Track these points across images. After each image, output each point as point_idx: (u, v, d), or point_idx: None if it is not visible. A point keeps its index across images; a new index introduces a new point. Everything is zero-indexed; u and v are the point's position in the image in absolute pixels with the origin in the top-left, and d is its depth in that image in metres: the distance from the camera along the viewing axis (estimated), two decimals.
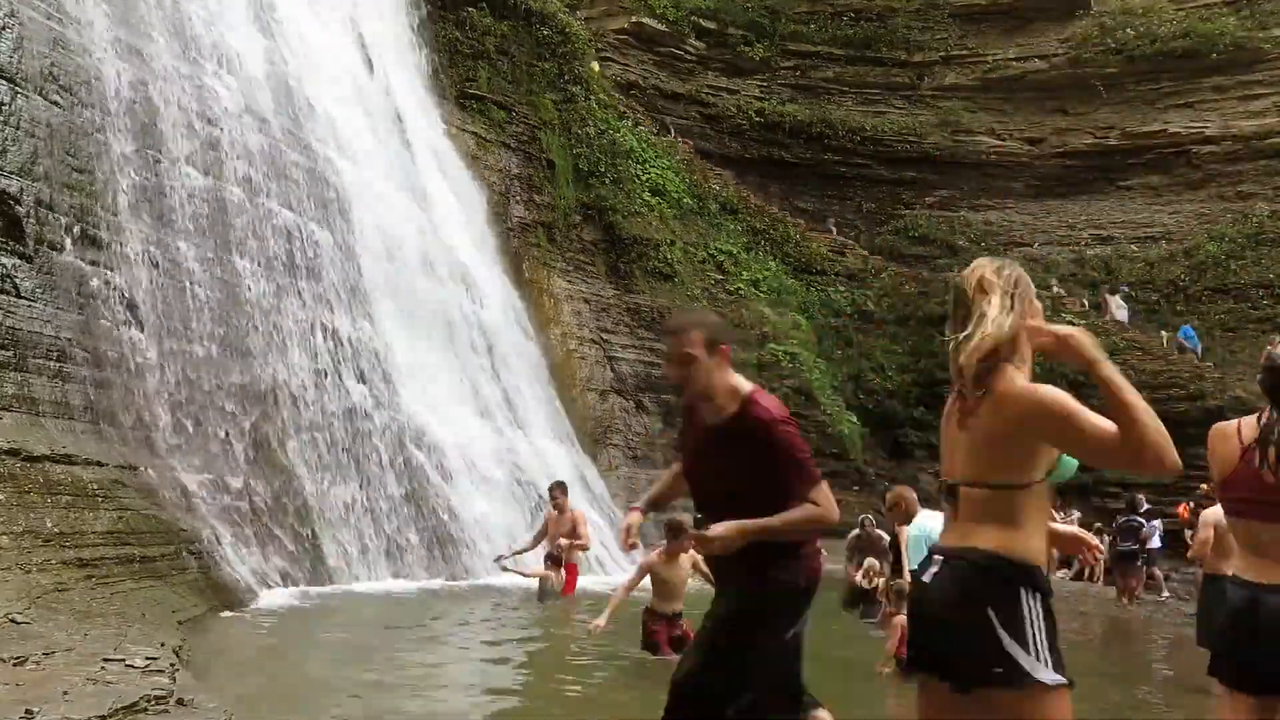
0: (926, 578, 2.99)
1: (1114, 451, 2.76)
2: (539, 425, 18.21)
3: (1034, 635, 2.79)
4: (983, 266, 2.99)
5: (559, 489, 12.35)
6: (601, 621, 7.79)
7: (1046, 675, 2.76)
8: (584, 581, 14.15)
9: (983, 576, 2.84)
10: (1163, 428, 2.78)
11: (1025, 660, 2.76)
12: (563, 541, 11.76)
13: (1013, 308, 2.91)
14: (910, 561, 8.30)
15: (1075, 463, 3.03)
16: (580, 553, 12.26)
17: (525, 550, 12.40)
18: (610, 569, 15.77)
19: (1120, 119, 34.04)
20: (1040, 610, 2.83)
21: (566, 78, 24.57)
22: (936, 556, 3.00)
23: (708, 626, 3.88)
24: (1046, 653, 2.80)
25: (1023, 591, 2.81)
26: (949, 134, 34.77)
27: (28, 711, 4.09)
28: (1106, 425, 2.75)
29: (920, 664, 3.01)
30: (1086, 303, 30.07)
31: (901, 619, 7.86)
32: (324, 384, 12.23)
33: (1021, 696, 2.76)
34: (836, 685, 5.83)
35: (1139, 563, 18.15)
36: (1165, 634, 12.99)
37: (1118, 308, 28.34)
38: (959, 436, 3.00)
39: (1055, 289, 29.81)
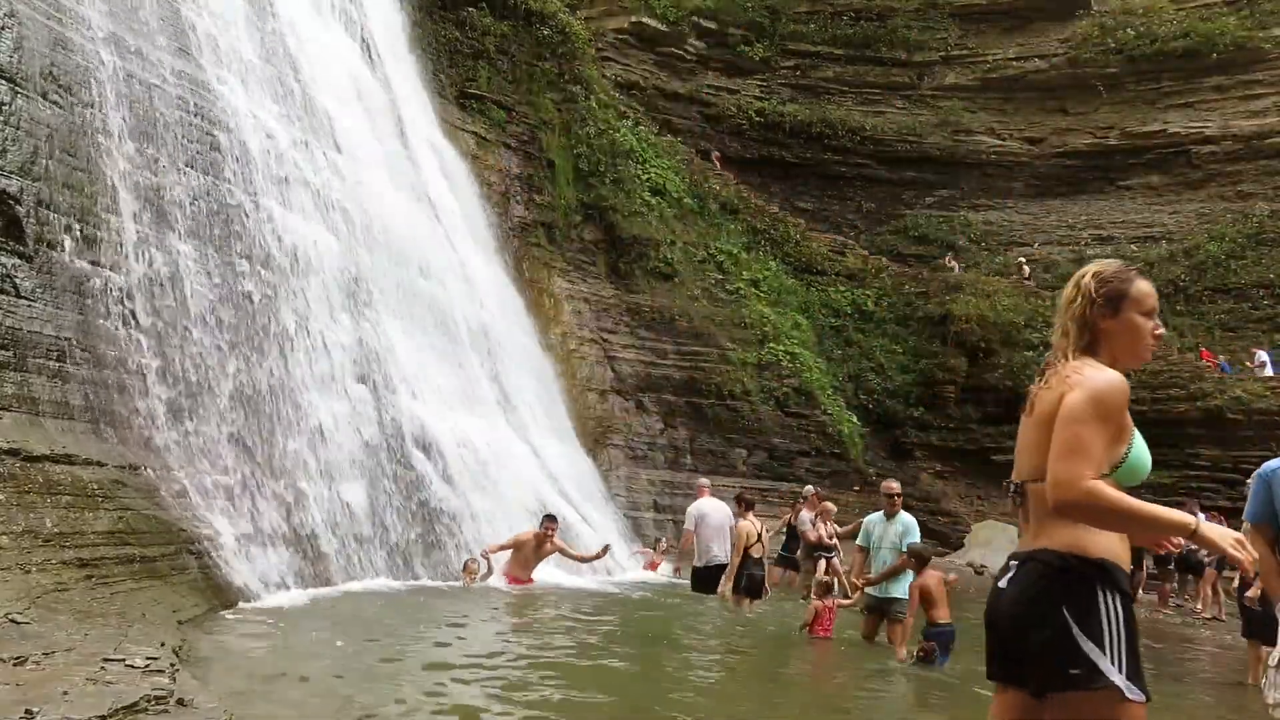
0: (1002, 583, 2.91)
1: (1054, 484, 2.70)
2: (539, 425, 18.20)
3: (1111, 637, 2.69)
4: (1086, 270, 3.05)
5: (551, 521, 13.29)
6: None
7: (1122, 681, 2.66)
8: (583, 582, 14.20)
9: (1055, 576, 2.75)
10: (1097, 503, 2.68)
11: (1102, 662, 2.66)
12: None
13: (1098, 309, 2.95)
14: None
15: (1146, 465, 2.91)
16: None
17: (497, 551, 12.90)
18: (611, 569, 15.78)
19: (1120, 119, 34.03)
20: (1120, 611, 2.73)
21: (566, 78, 24.57)
22: (1011, 562, 2.92)
23: None
24: (1124, 657, 2.69)
25: (1100, 591, 2.72)
26: (949, 134, 34.78)
27: (28, 711, 4.09)
28: (1094, 457, 2.68)
29: (997, 673, 2.92)
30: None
31: (818, 604, 10.22)
32: (324, 384, 12.22)
33: (1098, 701, 2.65)
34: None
35: (1170, 566, 18.27)
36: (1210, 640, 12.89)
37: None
38: (1026, 435, 2.95)
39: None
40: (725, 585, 12.78)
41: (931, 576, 9.33)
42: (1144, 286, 3.03)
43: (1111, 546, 2.77)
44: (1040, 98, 34.94)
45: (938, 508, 26.12)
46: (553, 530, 13.22)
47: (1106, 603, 2.70)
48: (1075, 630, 2.67)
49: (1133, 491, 2.79)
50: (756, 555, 12.89)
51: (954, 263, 31.95)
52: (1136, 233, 33.66)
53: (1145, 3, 34.82)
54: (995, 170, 35.00)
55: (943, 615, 9.10)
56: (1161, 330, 3.08)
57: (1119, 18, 34.60)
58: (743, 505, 13.46)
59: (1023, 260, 31.44)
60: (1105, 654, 2.66)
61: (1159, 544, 3.37)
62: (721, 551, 13.38)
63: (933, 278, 30.28)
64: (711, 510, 13.86)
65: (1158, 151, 33.59)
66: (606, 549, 14.39)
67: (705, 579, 13.49)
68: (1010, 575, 2.88)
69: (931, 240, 34.26)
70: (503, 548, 12.95)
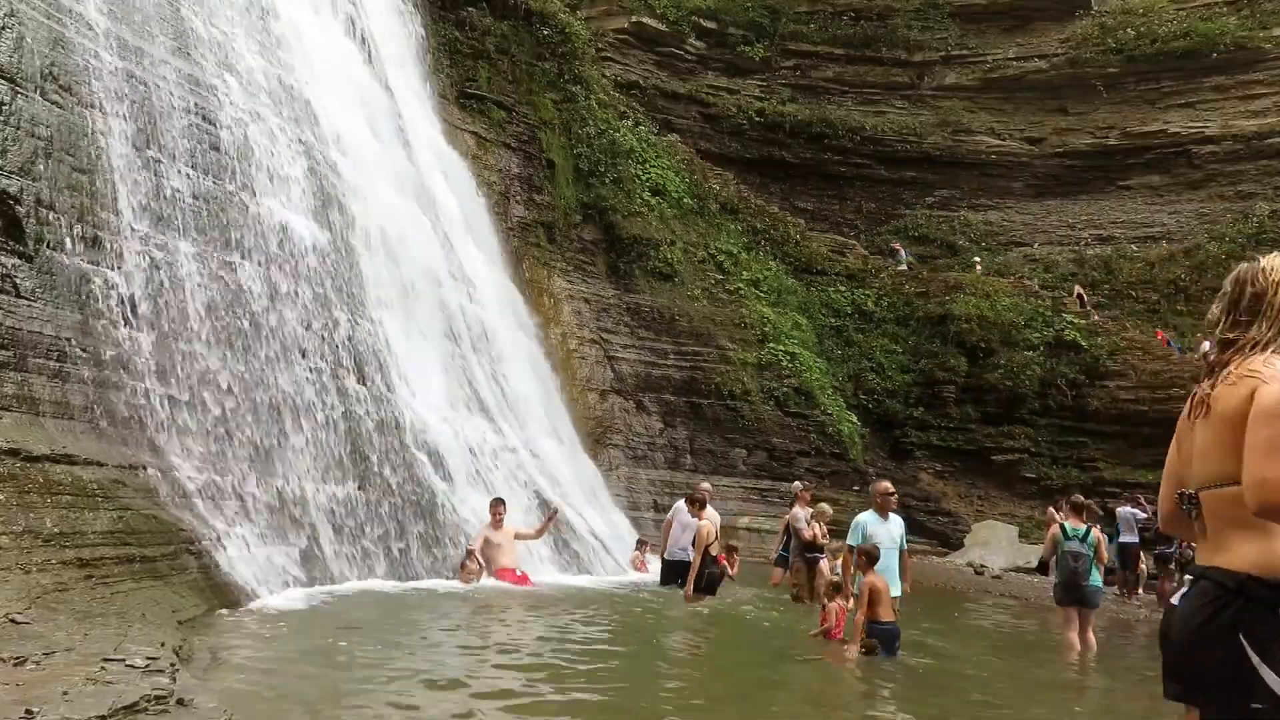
0: (1175, 599, 2.70)
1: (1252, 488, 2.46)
2: (539, 425, 18.19)
3: None
4: (1270, 263, 2.83)
5: (498, 504, 13.26)
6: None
7: None
8: (581, 581, 14.21)
9: (1230, 599, 2.50)
10: None
11: None
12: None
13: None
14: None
15: None
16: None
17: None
18: (611, 569, 15.78)
19: (1120, 119, 34.05)
20: None
21: (566, 78, 24.58)
22: (1187, 577, 2.72)
23: None
24: None
25: None
26: (949, 134, 34.78)
27: (28, 711, 4.09)
28: None
29: (1171, 693, 2.72)
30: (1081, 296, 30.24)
31: (833, 605, 10.02)
32: (324, 383, 12.22)
33: None
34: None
35: (1172, 565, 18.27)
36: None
37: None
38: (1202, 438, 2.69)
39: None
40: (688, 586, 12.96)
41: (879, 577, 9.40)
42: None
43: None
44: (1040, 98, 34.95)
45: (937, 508, 26.12)
46: (500, 513, 13.13)
47: None
48: (1255, 660, 2.42)
49: None
50: (714, 553, 13.21)
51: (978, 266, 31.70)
52: (1136, 233, 33.68)
53: (1145, 3, 34.82)
54: (995, 170, 35.01)
55: (886, 614, 9.21)
56: None
57: (1119, 18, 34.62)
58: (696, 505, 13.55)
59: (1079, 289, 30.93)
60: None
61: None
62: (685, 549, 13.59)
63: (933, 278, 30.28)
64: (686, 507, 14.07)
65: (1158, 151, 33.60)
66: (555, 512, 14.50)
67: (671, 571, 14.06)
68: (1183, 592, 2.67)
69: (931, 240, 34.26)
70: (479, 548, 12.95)
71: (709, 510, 13.93)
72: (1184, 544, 16.90)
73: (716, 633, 11.23)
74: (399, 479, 12.68)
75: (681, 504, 14.32)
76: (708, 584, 13.10)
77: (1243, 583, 2.48)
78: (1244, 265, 2.89)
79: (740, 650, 10.21)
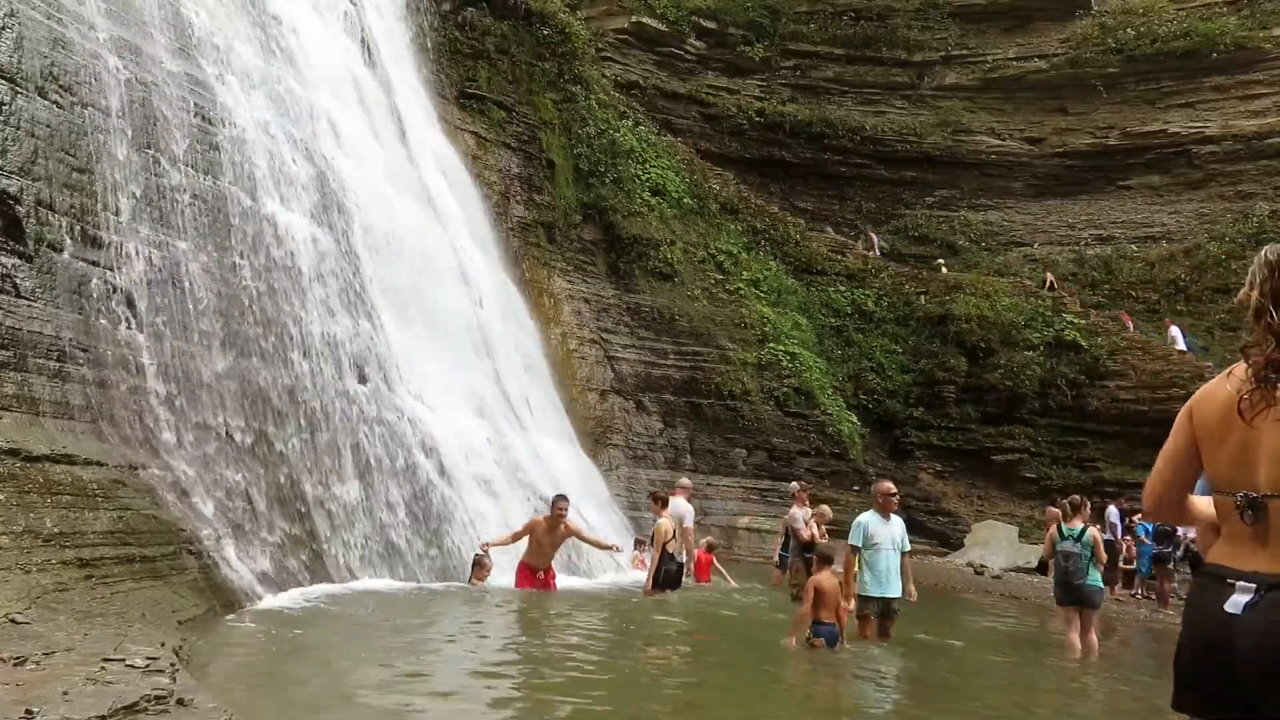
0: (1233, 608, 2.42)
1: None
2: (539, 425, 18.19)
3: None
4: None
5: (562, 500, 12.81)
6: None
7: None
8: (582, 582, 14.19)
9: None
10: None
11: None
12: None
13: None
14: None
15: None
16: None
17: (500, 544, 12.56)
18: (611, 570, 15.77)
19: (1120, 119, 34.05)
20: None
21: (566, 78, 24.58)
22: (1244, 584, 2.42)
23: None
24: None
25: None
26: (949, 134, 34.78)
27: (28, 711, 4.09)
28: None
29: (1216, 712, 2.48)
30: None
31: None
32: (324, 384, 12.22)
33: None
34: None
35: (1170, 565, 18.29)
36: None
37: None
38: (1270, 439, 2.44)
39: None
40: (648, 584, 12.96)
41: (829, 578, 9.46)
42: None
43: None
44: (1040, 98, 34.95)
45: (937, 508, 26.12)
46: (564, 510, 12.59)
47: None
48: None
49: None
50: (672, 550, 13.10)
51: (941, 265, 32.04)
52: (1136, 233, 33.68)
53: (1145, 3, 34.82)
54: (995, 170, 35.01)
55: (828, 616, 9.30)
56: None
57: (1119, 18, 34.62)
58: (658, 502, 13.57)
59: (1049, 275, 31.35)
60: None
61: None
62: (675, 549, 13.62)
63: (933, 278, 30.29)
64: (671, 509, 13.95)
65: (1158, 151, 33.60)
66: (616, 549, 14.36)
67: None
68: (1251, 601, 2.39)
69: (931, 240, 34.27)
70: (515, 537, 12.50)
71: (676, 505, 13.88)
72: (1189, 542, 16.88)
73: (714, 633, 11.23)
74: (399, 479, 12.67)
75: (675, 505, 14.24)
76: (666, 580, 12.97)
77: None
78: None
79: (741, 650, 10.20)
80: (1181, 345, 27.93)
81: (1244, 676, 2.36)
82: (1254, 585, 2.39)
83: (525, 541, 12.50)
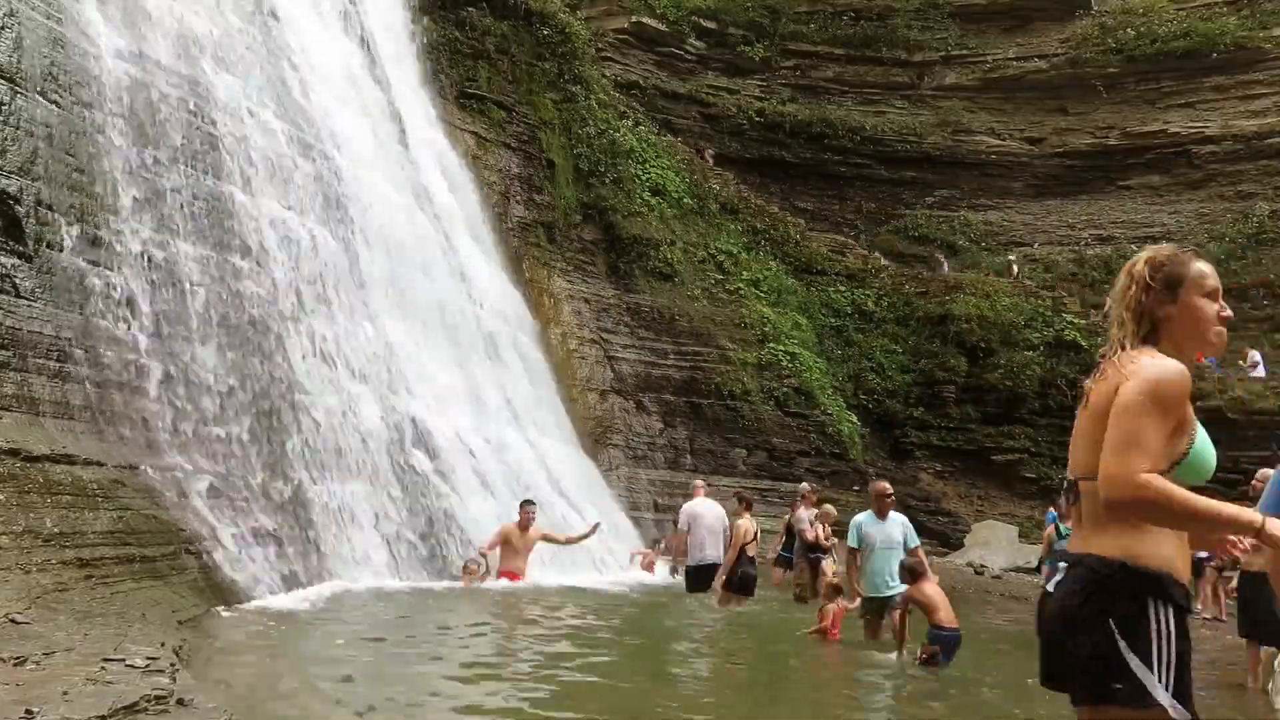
0: (1050, 586, 2.78)
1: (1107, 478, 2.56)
2: (539, 425, 18.19)
3: (1160, 652, 2.53)
4: (1139, 257, 2.98)
5: (528, 505, 13.11)
6: None
7: (1168, 700, 2.51)
8: (581, 581, 14.19)
9: (1101, 584, 2.59)
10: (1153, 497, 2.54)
11: (1148, 679, 2.51)
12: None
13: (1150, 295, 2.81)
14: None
15: (1211, 461, 2.72)
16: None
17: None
18: (604, 568, 15.77)
19: (1120, 119, 34.04)
20: (1171, 626, 2.55)
21: (566, 78, 24.57)
22: (1061, 564, 2.76)
23: None
24: (1172, 675, 2.52)
25: (1150, 603, 2.56)
26: (949, 134, 34.77)
27: (28, 711, 4.09)
28: (1151, 451, 2.50)
29: (1045, 680, 2.84)
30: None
31: (831, 606, 10.19)
32: (324, 383, 12.23)
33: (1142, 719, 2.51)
34: None
35: None
36: (1210, 641, 12.80)
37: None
38: (1080, 429, 2.77)
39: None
40: (719, 580, 12.82)
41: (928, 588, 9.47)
42: (1202, 267, 2.87)
43: (1167, 555, 2.60)
44: (1040, 98, 34.93)
45: (937, 508, 26.11)
46: (530, 514, 13.03)
47: (1157, 616, 2.55)
48: (1121, 644, 2.53)
49: (1200, 490, 2.62)
50: (751, 554, 12.93)
51: (941, 260, 32.09)
52: (1136, 233, 33.63)
53: (1145, 3, 34.81)
54: (995, 170, 35.00)
55: (945, 620, 9.30)
56: (1229, 313, 2.87)
57: (1119, 18, 34.61)
58: (743, 503, 13.63)
59: (1012, 259, 31.53)
60: (1153, 671, 2.52)
61: (1222, 546, 3.12)
62: (715, 551, 13.46)
63: (933, 278, 30.29)
64: (705, 511, 13.97)
65: (1158, 151, 33.59)
66: (596, 527, 14.33)
67: (699, 577, 13.60)
68: (1057, 580, 2.74)
69: (931, 240, 34.25)
70: (491, 546, 12.83)
71: (710, 506, 13.99)
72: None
73: (719, 632, 11.23)
74: (399, 479, 12.68)
75: (689, 508, 14.22)
76: (741, 584, 12.65)
77: (1113, 569, 2.59)
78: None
79: (741, 650, 10.21)
80: (1261, 372, 25.60)
81: (1049, 648, 2.74)
82: (1064, 565, 2.72)
83: (499, 551, 12.86)
